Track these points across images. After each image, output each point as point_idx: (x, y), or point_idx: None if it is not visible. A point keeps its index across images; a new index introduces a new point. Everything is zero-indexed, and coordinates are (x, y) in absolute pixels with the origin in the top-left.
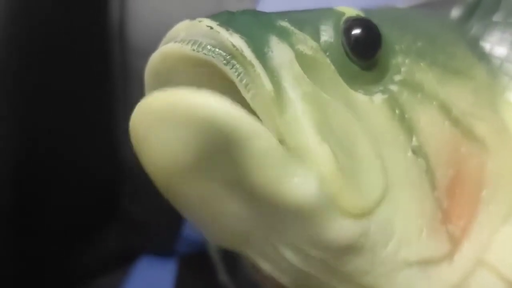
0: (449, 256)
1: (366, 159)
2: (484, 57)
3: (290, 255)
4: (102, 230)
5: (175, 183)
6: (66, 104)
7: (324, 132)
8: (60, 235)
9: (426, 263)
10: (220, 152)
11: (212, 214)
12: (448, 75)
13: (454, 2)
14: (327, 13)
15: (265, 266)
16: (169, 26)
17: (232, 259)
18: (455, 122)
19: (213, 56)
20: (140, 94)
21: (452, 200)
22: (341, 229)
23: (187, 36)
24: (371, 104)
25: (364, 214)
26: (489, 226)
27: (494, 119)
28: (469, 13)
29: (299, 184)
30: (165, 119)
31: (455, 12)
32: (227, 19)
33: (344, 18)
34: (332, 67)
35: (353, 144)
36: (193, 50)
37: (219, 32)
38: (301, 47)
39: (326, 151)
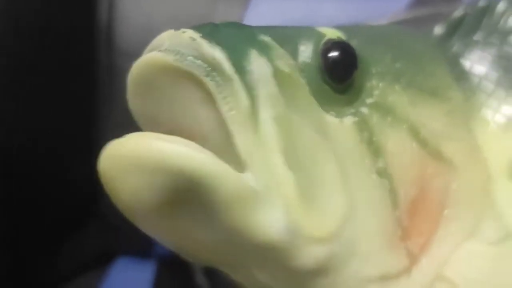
0: (407, 271)
1: (329, 182)
2: (463, 75)
3: (262, 277)
4: (81, 231)
5: (143, 221)
6: (51, 104)
7: (291, 158)
8: (39, 236)
9: (385, 278)
10: (187, 198)
11: (182, 245)
12: (423, 96)
13: (437, 20)
14: (308, 32)
15: (240, 281)
16: (157, 30)
17: None
18: (423, 143)
19: (194, 67)
20: (125, 95)
21: (413, 218)
22: (308, 255)
23: (171, 46)
24: (341, 126)
25: (328, 237)
26: (449, 243)
27: (466, 139)
28: (451, 32)
29: (267, 222)
30: (130, 166)
31: (438, 30)
32: (210, 31)
33: (324, 39)
34: (307, 88)
35: (318, 168)
36: (175, 60)
37: (201, 44)
38: (279, 63)
39: (291, 179)
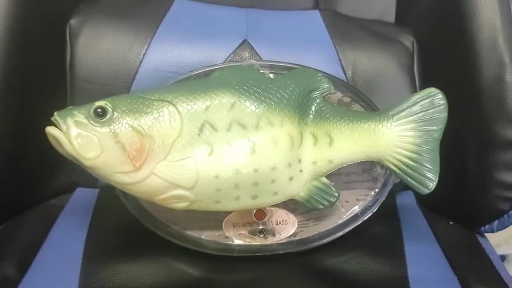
0: (136, 170)
1: (95, 149)
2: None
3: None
4: (56, 171)
5: (58, 148)
6: (36, 108)
7: (82, 144)
8: (31, 173)
9: (124, 172)
10: (59, 144)
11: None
12: (142, 114)
13: None
14: (92, 104)
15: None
16: (98, 64)
17: None
18: (138, 132)
19: (55, 122)
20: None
21: (134, 154)
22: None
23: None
24: (101, 130)
25: (93, 163)
26: (155, 160)
27: (164, 127)
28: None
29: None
30: (50, 135)
31: None
32: (61, 111)
33: (95, 105)
34: (86, 121)
35: (92, 145)
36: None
37: (56, 116)
38: (75, 118)
39: (78, 141)
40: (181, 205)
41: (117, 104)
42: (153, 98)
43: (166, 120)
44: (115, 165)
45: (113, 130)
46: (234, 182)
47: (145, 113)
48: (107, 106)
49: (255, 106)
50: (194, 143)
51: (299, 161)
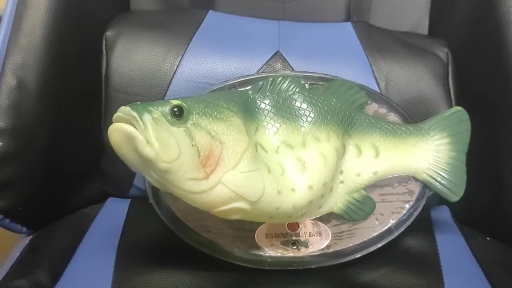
0: (206, 178)
1: (175, 150)
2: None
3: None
4: (89, 181)
5: (121, 151)
6: (71, 118)
7: (161, 145)
8: (64, 182)
9: (196, 179)
10: (130, 142)
11: (132, 163)
12: (215, 120)
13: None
14: (167, 102)
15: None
16: (132, 76)
17: (156, 189)
18: (212, 137)
19: (128, 117)
20: (114, 111)
21: (207, 159)
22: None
23: (122, 111)
24: (179, 131)
25: (169, 162)
26: (224, 169)
27: (234, 134)
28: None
29: (152, 157)
30: (116, 131)
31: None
32: (134, 105)
33: (172, 104)
34: (165, 119)
35: (171, 147)
36: (122, 116)
37: (129, 110)
38: (153, 114)
39: (157, 144)
40: (236, 216)
41: (190, 105)
42: (221, 105)
43: (236, 129)
44: (189, 170)
45: (189, 132)
46: (293, 203)
47: (218, 119)
48: (183, 106)
49: (300, 125)
50: (256, 159)
51: (341, 172)
